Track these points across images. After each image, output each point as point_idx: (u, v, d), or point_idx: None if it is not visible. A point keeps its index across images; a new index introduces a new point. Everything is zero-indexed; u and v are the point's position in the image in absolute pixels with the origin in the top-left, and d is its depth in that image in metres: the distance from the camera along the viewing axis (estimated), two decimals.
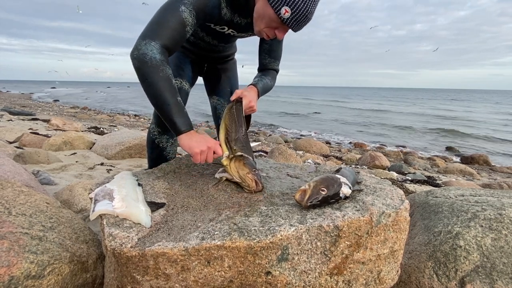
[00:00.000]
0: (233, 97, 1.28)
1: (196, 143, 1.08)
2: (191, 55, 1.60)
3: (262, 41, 1.45)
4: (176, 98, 1.08)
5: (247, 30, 1.34)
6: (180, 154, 3.23)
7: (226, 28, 1.33)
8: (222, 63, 1.70)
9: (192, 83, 1.63)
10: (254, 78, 1.45)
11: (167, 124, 1.12)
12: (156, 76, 1.06)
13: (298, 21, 1.09)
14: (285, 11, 1.07)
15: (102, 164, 2.78)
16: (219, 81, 1.72)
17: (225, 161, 1.12)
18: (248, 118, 1.30)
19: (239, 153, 1.11)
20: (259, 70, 1.52)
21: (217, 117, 1.76)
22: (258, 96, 1.36)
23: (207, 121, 11.69)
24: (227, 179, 1.14)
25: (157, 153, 1.53)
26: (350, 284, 0.85)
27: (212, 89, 1.76)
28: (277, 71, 1.54)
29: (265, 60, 1.49)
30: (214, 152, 1.10)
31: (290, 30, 1.18)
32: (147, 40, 1.08)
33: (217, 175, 1.18)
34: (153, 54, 1.06)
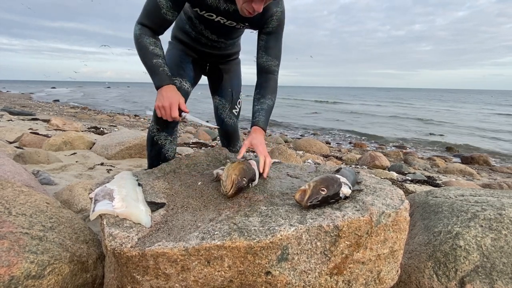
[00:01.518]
0: (242, 152, 1.21)
1: (160, 98, 1.25)
2: (193, 54, 1.60)
3: (258, 38, 1.40)
4: (151, 61, 1.27)
5: (236, 17, 1.33)
6: (180, 154, 3.23)
7: (214, 16, 1.34)
8: (225, 62, 1.70)
9: (193, 82, 1.63)
10: (255, 105, 1.35)
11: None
12: (138, 46, 1.30)
13: None
14: None
15: (102, 164, 2.78)
16: (221, 81, 1.73)
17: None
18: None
19: (247, 159, 1.11)
20: (258, 74, 1.43)
21: (218, 117, 1.76)
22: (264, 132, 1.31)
23: (208, 121, 11.67)
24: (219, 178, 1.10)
25: (156, 151, 1.53)
26: (350, 284, 0.85)
27: (215, 89, 1.77)
28: (275, 75, 1.41)
29: (262, 59, 1.38)
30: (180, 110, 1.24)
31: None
32: (136, 23, 1.32)
33: (214, 171, 1.18)
34: (135, 32, 1.30)
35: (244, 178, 1.01)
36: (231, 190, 0.97)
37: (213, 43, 1.53)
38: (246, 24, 1.37)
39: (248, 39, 1.53)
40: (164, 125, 1.50)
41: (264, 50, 1.39)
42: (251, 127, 1.30)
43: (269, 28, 1.36)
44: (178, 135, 1.63)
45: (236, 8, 1.27)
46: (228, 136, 1.78)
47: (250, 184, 1.06)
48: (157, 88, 1.27)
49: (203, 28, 1.45)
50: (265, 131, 1.31)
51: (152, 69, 1.27)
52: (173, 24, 1.55)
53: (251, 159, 1.15)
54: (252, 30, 1.45)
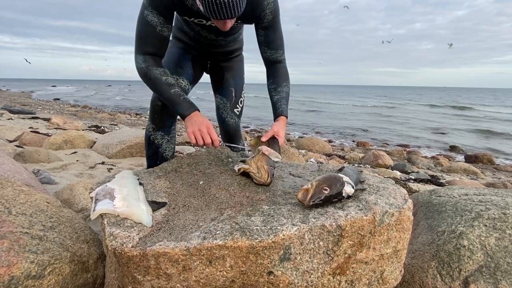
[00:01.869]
0: (268, 135, 1.27)
1: (192, 124, 1.23)
2: (194, 52, 1.59)
3: (257, 34, 1.39)
4: (170, 92, 1.24)
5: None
6: (181, 153, 3.23)
7: (205, 21, 1.34)
8: (226, 60, 1.68)
9: (193, 80, 1.61)
10: (274, 95, 1.39)
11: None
12: (148, 81, 1.27)
13: (215, 10, 1.04)
14: (199, 5, 1.08)
15: (103, 163, 2.77)
16: (222, 79, 1.71)
17: (252, 141, 1.30)
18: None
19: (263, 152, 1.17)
20: (266, 66, 1.45)
21: (219, 116, 1.75)
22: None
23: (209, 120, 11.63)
24: (243, 172, 1.14)
25: (153, 150, 1.53)
26: (353, 284, 0.85)
27: (216, 88, 1.75)
28: (283, 62, 1.44)
29: (266, 53, 1.40)
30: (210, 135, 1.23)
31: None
32: (135, 55, 1.29)
33: (235, 167, 1.20)
34: (139, 65, 1.27)
35: (272, 167, 1.11)
36: (269, 178, 1.07)
37: (213, 42, 1.52)
38: (239, 22, 1.36)
39: (253, 38, 1.51)
40: (159, 124, 1.49)
41: (266, 45, 1.39)
42: (276, 117, 1.36)
43: (265, 23, 1.33)
44: (176, 134, 1.62)
45: None
46: (229, 136, 1.77)
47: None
48: (183, 116, 1.25)
49: (200, 29, 1.45)
50: (287, 117, 1.38)
51: (172, 100, 1.25)
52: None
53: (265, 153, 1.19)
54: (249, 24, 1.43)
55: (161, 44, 1.28)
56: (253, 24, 1.39)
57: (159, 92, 1.26)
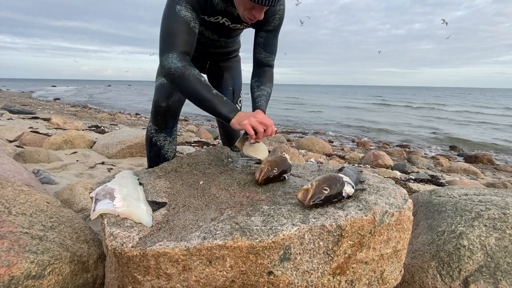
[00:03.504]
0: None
1: (246, 120, 1.13)
2: (193, 53, 1.60)
3: (256, 35, 1.42)
4: (211, 93, 1.15)
5: (240, 20, 1.33)
6: (181, 153, 3.22)
7: (220, 18, 1.33)
8: (225, 60, 1.69)
9: None
10: (255, 91, 1.39)
11: (217, 118, 1.20)
12: (186, 82, 1.15)
13: None
14: None
15: (103, 163, 2.77)
16: (221, 79, 1.71)
17: (239, 143, 1.31)
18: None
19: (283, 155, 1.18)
20: (255, 67, 1.47)
21: None
22: None
23: (209, 120, 11.66)
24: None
25: (155, 152, 1.52)
26: (353, 284, 0.85)
27: (215, 88, 1.75)
28: (272, 67, 1.48)
29: (260, 55, 1.43)
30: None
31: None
32: (165, 55, 1.17)
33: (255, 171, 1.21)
34: (175, 65, 1.15)
35: (275, 169, 1.07)
36: (259, 178, 1.05)
37: (214, 42, 1.53)
38: (249, 24, 1.37)
39: (249, 39, 1.54)
40: (162, 126, 1.49)
41: (262, 47, 1.42)
42: (254, 110, 1.35)
43: (271, 26, 1.37)
44: (178, 134, 1.62)
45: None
46: (229, 135, 1.77)
47: (283, 176, 1.11)
48: (228, 119, 1.15)
49: (203, 29, 1.45)
50: (265, 113, 1.35)
51: (213, 102, 1.15)
52: None
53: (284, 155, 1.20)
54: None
55: (193, 42, 1.22)
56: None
57: (197, 94, 1.15)
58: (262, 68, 1.45)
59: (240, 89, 1.77)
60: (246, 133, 1.18)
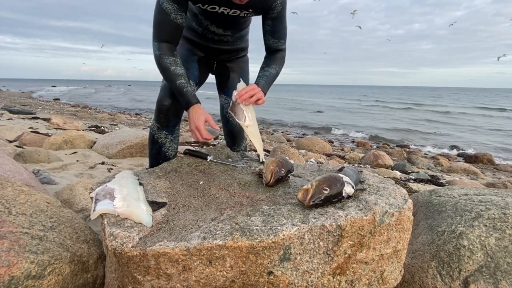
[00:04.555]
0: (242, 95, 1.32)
1: (190, 121, 1.30)
2: (200, 53, 1.61)
3: (264, 23, 1.45)
4: (175, 83, 1.30)
5: (239, 5, 1.34)
6: (181, 153, 3.22)
7: (217, 8, 1.35)
8: (232, 60, 1.70)
9: (198, 81, 1.63)
10: (259, 72, 1.46)
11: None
12: (160, 69, 1.34)
13: None
14: None
15: (103, 163, 2.77)
16: (228, 79, 1.72)
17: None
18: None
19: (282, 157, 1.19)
20: (267, 53, 1.52)
21: (224, 116, 1.75)
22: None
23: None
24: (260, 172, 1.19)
25: (156, 149, 1.54)
26: (353, 284, 0.85)
27: (221, 88, 1.76)
28: (283, 50, 1.53)
29: (269, 41, 1.48)
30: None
31: None
32: (152, 43, 1.33)
33: (257, 168, 1.27)
34: (154, 53, 1.33)
35: (283, 169, 1.09)
36: (271, 180, 1.06)
37: (220, 37, 1.54)
38: (250, 10, 1.38)
39: (257, 39, 1.57)
40: (164, 124, 1.50)
41: (271, 34, 1.47)
42: None
43: (274, 13, 1.40)
44: (179, 134, 1.62)
45: None
46: (233, 136, 1.77)
47: (289, 176, 1.14)
48: (186, 109, 1.34)
49: (208, 23, 1.47)
50: (264, 94, 1.38)
51: (177, 91, 1.32)
52: None
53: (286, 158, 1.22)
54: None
55: (175, 31, 1.32)
56: (261, 16, 1.44)
57: (168, 81, 1.32)
58: (273, 53, 1.51)
59: None
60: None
